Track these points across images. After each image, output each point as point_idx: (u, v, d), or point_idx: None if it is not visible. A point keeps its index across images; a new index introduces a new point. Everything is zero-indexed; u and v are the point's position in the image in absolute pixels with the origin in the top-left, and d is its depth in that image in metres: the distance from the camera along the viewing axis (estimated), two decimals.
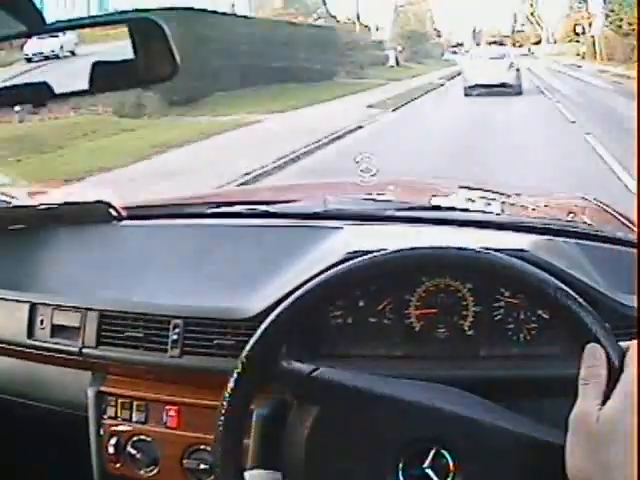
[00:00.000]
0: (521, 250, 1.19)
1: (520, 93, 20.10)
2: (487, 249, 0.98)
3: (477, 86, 19.84)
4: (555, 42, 70.40)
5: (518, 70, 20.80)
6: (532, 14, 74.57)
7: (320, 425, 0.97)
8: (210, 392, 1.18)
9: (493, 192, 1.80)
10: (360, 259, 0.98)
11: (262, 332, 0.98)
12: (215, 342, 1.28)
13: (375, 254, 0.98)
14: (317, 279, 0.99)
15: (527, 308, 1.21)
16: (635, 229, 1.62)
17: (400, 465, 0.95)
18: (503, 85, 19.87)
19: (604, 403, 0.81)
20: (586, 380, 0.84)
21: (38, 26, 1.11)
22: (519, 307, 1.22)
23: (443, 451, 0.94)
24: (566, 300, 0.92)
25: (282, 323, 0.98)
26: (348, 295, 1.22)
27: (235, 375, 0.97)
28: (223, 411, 0.97)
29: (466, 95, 20.00)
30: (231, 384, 0.97)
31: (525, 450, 0.92)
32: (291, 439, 0.99)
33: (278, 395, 1.02)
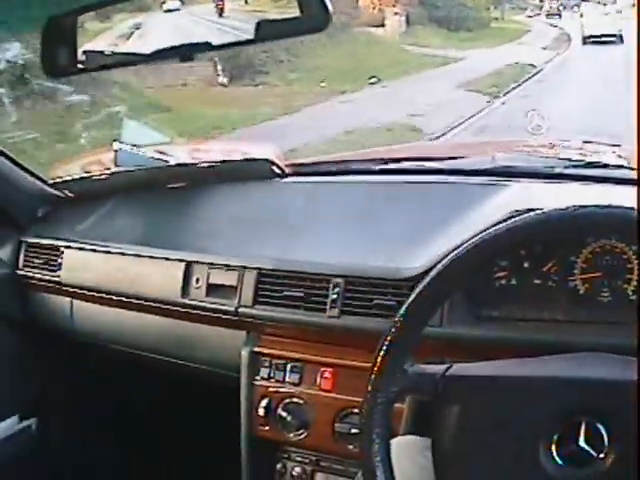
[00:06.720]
0: None
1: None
2: None
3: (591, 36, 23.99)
4: None
5: None
6: None
7: (465, 419, 0.92)
8: (368, 354, 1.12)
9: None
10: (522, 217, 0.92)
11: (417, 294, 0.93)
12: (375, 302, 1.23)
13: (539, 212, 0.91)
14: (475, 238, 0.93)
15: None
16: None
17: (553, 442, 0.88)
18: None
19: None
20: None
21: None
22: None
23: (597, 424, 0.86)
24: None
25: (437, 284, 0.93)
26: (511, 255, 1.17)
27: (388, 336, 0.93)
28: (374, 374, 0.93)
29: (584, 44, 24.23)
30: (384, 345, 0.93)
31: None
32: (441, 415, 0.93)
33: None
